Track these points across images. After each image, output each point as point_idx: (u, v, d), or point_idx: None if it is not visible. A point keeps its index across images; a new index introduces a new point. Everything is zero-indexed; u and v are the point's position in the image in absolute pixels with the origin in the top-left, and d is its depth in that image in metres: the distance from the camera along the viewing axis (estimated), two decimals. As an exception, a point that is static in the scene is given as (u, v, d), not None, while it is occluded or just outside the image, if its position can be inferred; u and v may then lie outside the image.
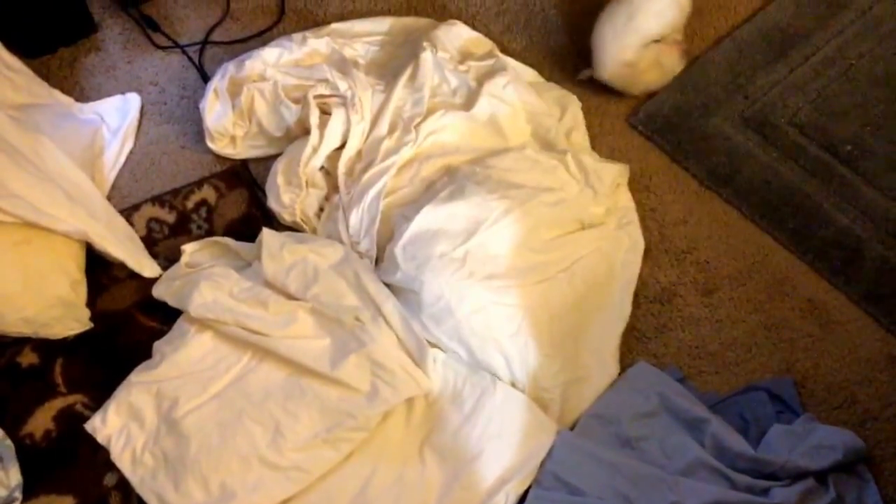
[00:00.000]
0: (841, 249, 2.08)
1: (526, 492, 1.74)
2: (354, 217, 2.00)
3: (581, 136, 2.22)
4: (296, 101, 2.15)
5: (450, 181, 2.02)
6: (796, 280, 2.05)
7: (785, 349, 1.96)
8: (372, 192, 2.01)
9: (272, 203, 2.10)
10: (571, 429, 1.84)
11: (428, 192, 2.03)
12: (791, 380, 1.91)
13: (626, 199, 2.13)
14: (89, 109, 2.31)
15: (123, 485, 1.80)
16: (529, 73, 2.32)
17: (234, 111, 2.18)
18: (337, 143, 2.10)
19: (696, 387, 1.92)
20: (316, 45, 2.25)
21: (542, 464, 1.76)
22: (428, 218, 1.94)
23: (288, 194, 2.07)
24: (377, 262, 2.01)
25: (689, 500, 1.67)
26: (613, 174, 2.11)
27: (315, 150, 2.08)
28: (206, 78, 2.37)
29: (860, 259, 2.06)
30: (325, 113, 2.12)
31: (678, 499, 1.67)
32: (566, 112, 2.23)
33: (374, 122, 2.12)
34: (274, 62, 2.21)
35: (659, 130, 2.27)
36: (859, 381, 1.91)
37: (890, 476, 1.79)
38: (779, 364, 1.95)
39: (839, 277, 2.04)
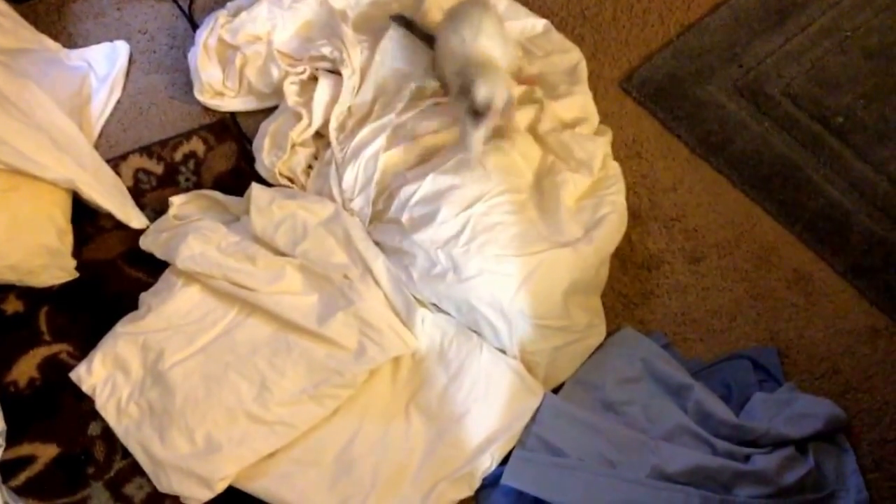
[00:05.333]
0: (829, 221, 2.09)
1: (510, 452, 1.75)
2: (349, 174, 1.99)
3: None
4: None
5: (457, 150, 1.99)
6: (783, 250, 2.06)
7: (769, 318, 1.98)
8: (369, 151, 1.99)
9: (258, 166, 2.10)
10: (556, 391, 1.85)
11: (434, 156, 2.02)
12: (774, 349, 1.93)
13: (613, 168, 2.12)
14: (77, 56, 2.27)
15: (108, 434, 1.80)
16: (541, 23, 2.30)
17: (225, 73, 2.19)
18: (324, 118, 2.10)
19: (680, 353, 1.94)
20: (305, 11, 2.22)
21: (527, 426, 1.78)
22: (434, 184, 1.92)
23: (270, 157, 2.07)
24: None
25: (670, 463, 1.69)
26: (603, 148, 2.09)
27: (305, 128, 2.09)
28: (195, 27, 2.33)
29: (847, 231, 2.07)
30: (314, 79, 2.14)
31: (659, 462, 1.69)
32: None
33: (363, 78, 2.11)
34: (266, 31, 2.19)
35: (652, 96, 2.26)
36: (842, 352, 1.93)
37: (868, 446, 1.81)
38: (763, 333, 1.96)
39: (826, 249, 2.05)
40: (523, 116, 2.07)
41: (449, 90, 2.00)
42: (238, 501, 1.73)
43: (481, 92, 1.83)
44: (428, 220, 1.90)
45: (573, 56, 2.24)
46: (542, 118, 2.07)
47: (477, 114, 1.85)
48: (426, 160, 2.01)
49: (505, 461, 1.74)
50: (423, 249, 1.88)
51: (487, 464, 1.74)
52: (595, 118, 2.16)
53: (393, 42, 2.15)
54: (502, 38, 2.01)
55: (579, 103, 2.15)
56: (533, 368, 1.85)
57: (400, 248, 1.92)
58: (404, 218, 1.93)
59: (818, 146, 2.19)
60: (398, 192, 1.95)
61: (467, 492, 1.73)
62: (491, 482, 1.74)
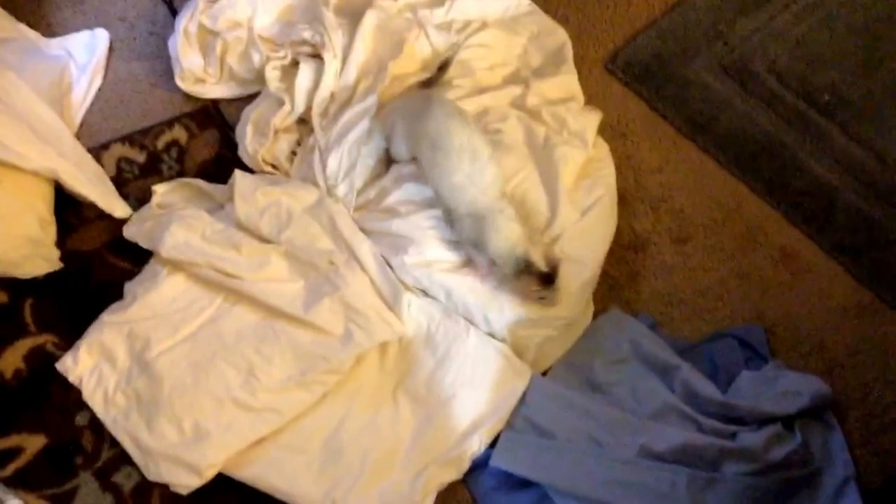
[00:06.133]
0: (814, 199, 2.09)
1: (499, 435, 1.75)
2: (333, 160, 1.98)
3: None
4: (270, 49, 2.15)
5: None
6: (769, 229, 2.06)
7: (756, 297, 1.98)
8: (352, 136, 1.98)
9: (241, 153, 2.09)
10: (544, 374, 1.85)
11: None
12: (761, 327, 1.93)
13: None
14: (57, 45, 2.25)
15: (95, 424, 1.79)
16: (525, 1, 2.29)
17: (206, 60, 2.18)
18: (307, 104, 2.09)
19: (667, 333, 1.94)
20: None
21: (516, 408, 1.78)
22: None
23: (253, 144, 2.06)
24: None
25: (657, 442, 1.70)
26: (595, 124, 2.09)
27: (288, 114, 2.08)
28: (175, 13, 2.31)
29: (833, 209, 2.08)
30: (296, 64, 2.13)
31: (647, 441, 1.70)
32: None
33: (345, 62, 2.10)
34: (247, 17, 2.18)
35: (637, 77, 2.25)
36: (828, 328, 1.94)
37: (855, 422, 1.82)
38: (750, 311, 1.97)
39: (812, 227, 2.06)
40: (507, 94, 2.07)
41: (447, 215, 1.89)
42: (227, 488, 1.73)
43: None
44: (425, 205, 1.91)
45: (559, 36, 2.23)
46: (527, 94, 2.07)
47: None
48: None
49: (494, 443, 1.74)
50: (419, 234, 1.88)
51: (476, 447, 1.74)
52: (581, 98, 2.16)
53: (373, 24, 2.14)
54: (487, 139, 1.89)
55: (565, 83, 2.15)
56: (522, 352, 1.85)
57: (393, 232, 1.91)
58: (396, 201, 1.92)
59: (804, 124, 2.19)
60: (391, 176, 1.96)
61: (456, 475, 1.73)
62: (480, 464, 1.74)
